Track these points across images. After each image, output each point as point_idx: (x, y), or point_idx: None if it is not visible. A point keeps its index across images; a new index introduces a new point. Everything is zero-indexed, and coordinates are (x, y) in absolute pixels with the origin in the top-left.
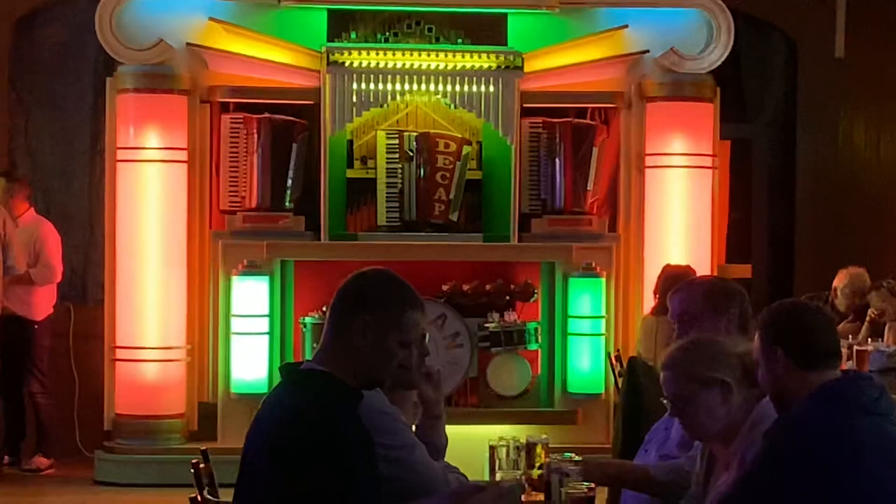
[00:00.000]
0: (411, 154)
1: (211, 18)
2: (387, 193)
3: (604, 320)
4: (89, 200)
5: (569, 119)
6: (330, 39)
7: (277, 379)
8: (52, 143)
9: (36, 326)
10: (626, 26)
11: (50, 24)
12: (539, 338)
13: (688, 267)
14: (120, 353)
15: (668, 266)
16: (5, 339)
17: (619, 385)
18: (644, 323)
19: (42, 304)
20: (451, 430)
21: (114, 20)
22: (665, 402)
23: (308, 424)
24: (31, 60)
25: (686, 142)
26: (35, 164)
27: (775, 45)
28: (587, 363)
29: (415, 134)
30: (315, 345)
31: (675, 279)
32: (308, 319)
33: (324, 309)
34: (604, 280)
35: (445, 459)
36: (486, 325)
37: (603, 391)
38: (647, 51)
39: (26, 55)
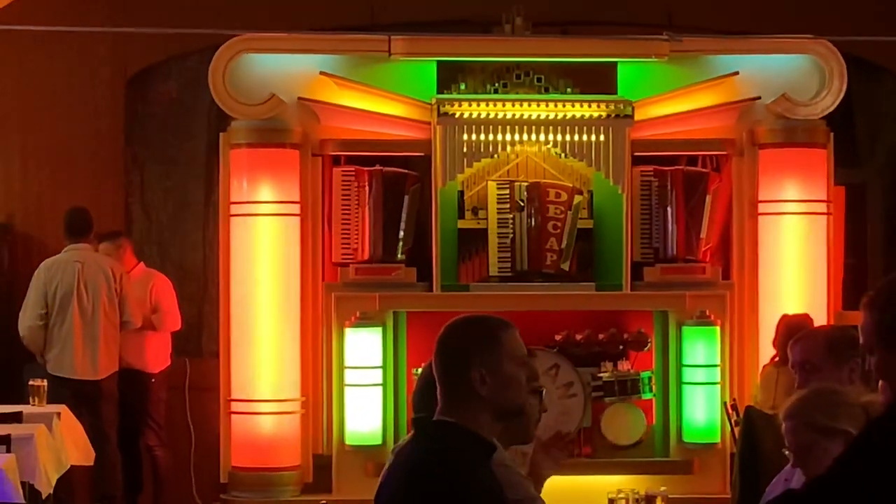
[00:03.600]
0: (522, 204)
1: (322, 73)
2: (498, 243)
3: (718, 369)
4: (203, 254)
5: (680, 167)
6: (440, 91)
7: (391, 430)
8: (166, 198)
9: (153, 380)
10: (737, 73)
11: (163, 80)
12: (653, 387)
13: (806, 316)
14: (235, 406)
15: (785, 316)
16: (123, 393)
17: (736, 434)
18: (764, 373)
19: (158, 357)
20: (565, 480)
21: (226, 76)
22: (787, 452)
23: (444, 475)
24: (144, 117)
25: (799, 188)
26: (150, 219)
27: (888, 88)
28: (702, 412)
29: (525, 184)
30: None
31: (794, 329)
32: (421, 370)
33: None
34: (718, 328)
35: None
36: (600, 374)
37: (719, 440)
38: (759, 97)
39: (140, 111)
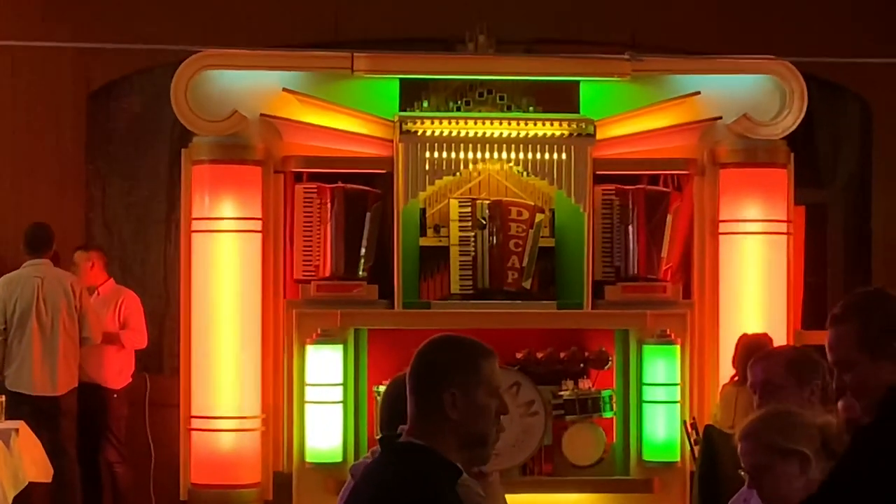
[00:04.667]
0: (484, 222)
1: (284, 89)
2: (460, 261)
3: (678, 387)
4: (165, 270)
5: (642, 186)
6: (402, 108)
7: (352, 447)
8: (128, 213)
9: (114, 395)
10: (699, 93)
11: (125, 95)
12: (614, 405)
13: (765, 335)
14: (195, 423)
15: (745, 335)
16: (84, 408)
17: (696, 453)
18: (723, 392)
19: (121, 373)
20: (526, 498)
21: (188, 92)
22: (743, 473)
23: (411, 498)
24: (106, 131)
25: (760, 208)
26: (111, 234)
27: (849, 108)
28: (662, 431)
29: (487, 202)
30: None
31: (753, 348)
32: (382, 388)
33: None
34: (678, 347)
35: None
36: (561, 392)
37: (679, 459)
38: (720, 117)
39: (102, 126)
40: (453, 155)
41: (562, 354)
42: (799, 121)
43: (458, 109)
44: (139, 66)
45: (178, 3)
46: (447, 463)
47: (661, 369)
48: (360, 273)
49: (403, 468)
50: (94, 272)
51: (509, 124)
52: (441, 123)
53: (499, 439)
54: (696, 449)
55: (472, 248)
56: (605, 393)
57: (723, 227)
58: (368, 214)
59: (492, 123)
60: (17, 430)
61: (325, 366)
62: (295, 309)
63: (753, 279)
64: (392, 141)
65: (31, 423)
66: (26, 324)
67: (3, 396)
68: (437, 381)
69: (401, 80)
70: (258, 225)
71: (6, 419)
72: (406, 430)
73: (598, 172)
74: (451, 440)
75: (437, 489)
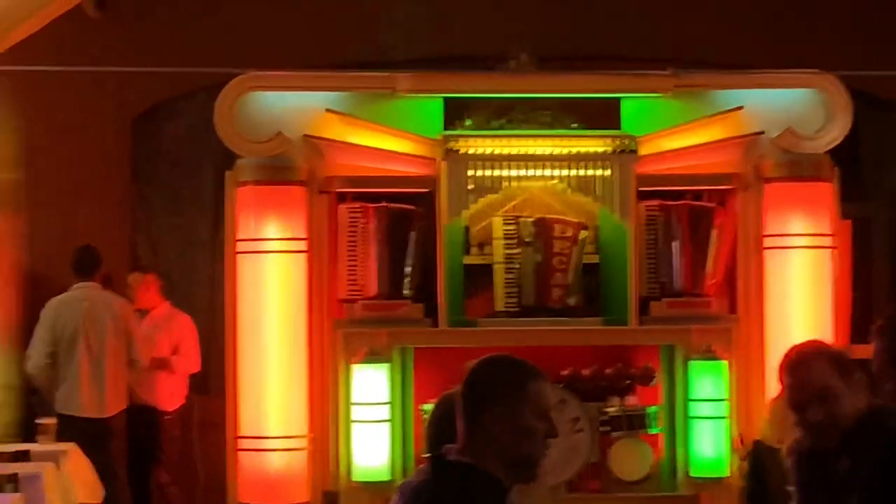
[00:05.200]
0: (528, 240)
1: (328, 110)
2: (504, 279)
3: (725, 403)
4: (211, 292)
5: (686, 201)
6: (445, 127)
7: (399, 466)
8: (173, 235)
9: (167, 417)
10: (742, 107)
11: (169, 119)
12: (660, 422)
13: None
14: (242, 443)
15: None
16: (136, 429)
17: (743, 469)
18: (772, 407)
19: (173, 394)
20: None
21: (232, 114)
22: (790, 489)
23: None
24: (151, 155)
25: (805, 222)
26: (157, 256)
27: (893, 121)
28: (709, 447)
29: (531, 219)
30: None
31: None
32: (428, 406)
33: None
34: (724, 362)
35: None
36: (607, 409)
37: (727, 475)
38: (763, 131)
39: (147, 150)
40: (496, 173)
41: (607, 371)
42: (843, 134)
43: (501, 128)
44: (182, 89)
45: (221, 25)
46: (494, 481)
47: (708, 385)
48: (406, 292)
49: (451, 486)
50: (149, 295)
51: (552, 142)
52: (484, 142)
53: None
54: (744, 465)
55: (517, 266)
56: (652, 409)
57: (767, 242)
58: (413, 233)
59: (534, 141)
60: (67, 452)
61: (371, 385)
62: (341, 328)
63: (799, 294)
64: (435, 160)
65: (80, 444)
66: (75, 346)
67: (54, 419)
68: (482, 401)
69: (444, 99)
70: (303, 245)
71: (57, 441)
72: (455, 449)
73: (641, 189)
74: (497, 460)
75: None
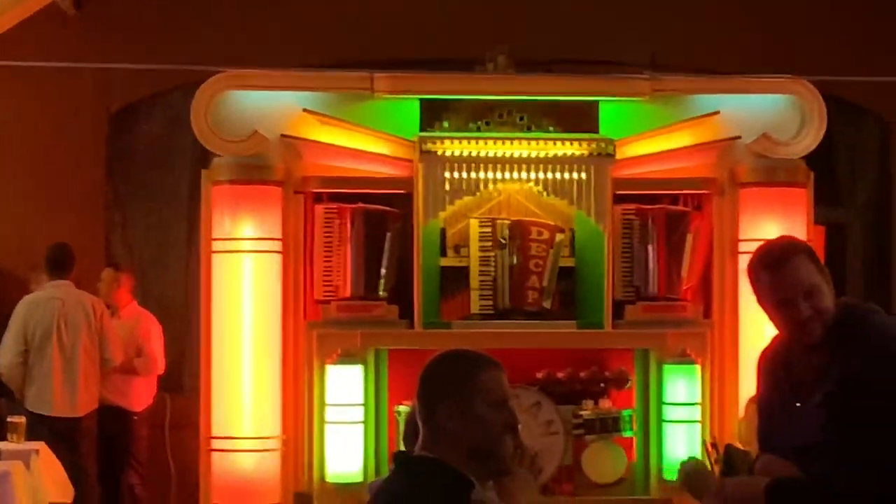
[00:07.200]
0: (504, 242)
1: (304, 110)
2: (480, 281)
3: (699, 407)
4: (185, 291)
5: (662, 206)
6: (423, 129)
7: (373, 467)
8: (148, 234)
9: (135, 417)
10: (718, 112)
11: (145, 117)
12: (634, 425)
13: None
14: (215, 444)
15: None
16: (104, 430)
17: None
18: (748, 408)
19: (142, 395)
20: None
21: (209, 112)
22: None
23: None
24: (127, 153)
25: (780, 227)
26: (132, 255)
27: (868, 128)
28: (683, 450)
29: (507, 222)
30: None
31: None
32: (402, 408)
33: None
34: (699, 367)
35: None
36: (581, 412)
37: None
38: (739, 136)
39: (123, 148)
40: (473, 175)
41: (582, 374)
42: (818, 140)
43: (478, 130)
44: (159, 87)
45: (199, 24)
46: (457, 475)
47: (682, 389)
48: (381, 293)
49: (413, 481)
50: (119, 293)
51: (529, 144)
52: (461, 143)
53: (518, 454)
54: (717, 468)
55: (493, 268)
56: (626, 412)
57: (742, 247)
58: (389, 235)
59: (512, 143)
60: (37, 451)
61: (345, 386)
62: (315, 329)
63: None
64: (412, 161)
65: (51, 444)
66: (47, 345)
67: (24, 417)
68: (434, 394)
69: (421, 100)
70: (278, 245)
71: (27, 440)
72: (419, 446)
73: (617, 192)
74: (457, 454)
75: (445, 501)
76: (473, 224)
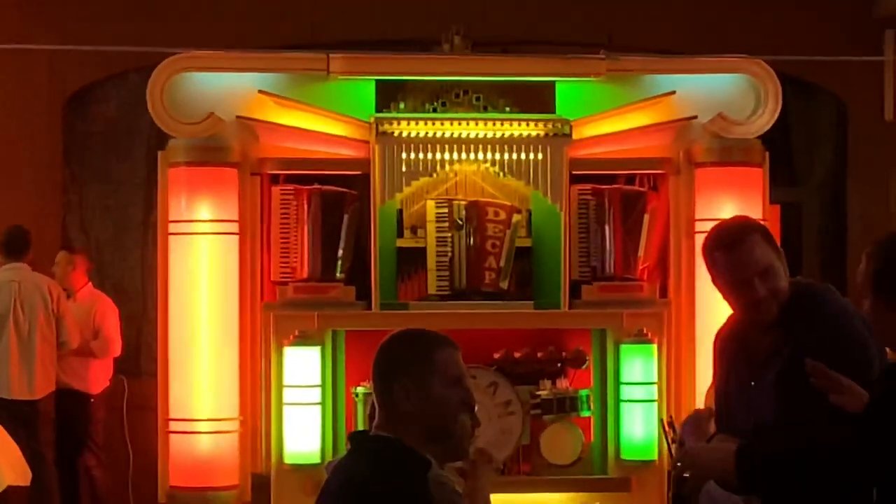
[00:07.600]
0: (461, 223)
1: (260, 91)
2: (437, 262)
3: (656, 386)
4: (142, 273)
5: (618, 186)
6: (378, 110)
7: (330, 449)
8: (105, 217)
9: (92, 400)
10: (674, 92)
11: (102, 99)
12: (591, 405)
13: None
14: (173, 426)
15: None
16: (61, 413)
17: (672, 452)
18: (708, 396)
19: (98, 377)
20: (504, 498)
21: (165, 94)
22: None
23: (378, 492)
24: (83, 136)
25: (736, 206)
26: (88, 238)
27: (824, 107)
28: (640, 430)
29: (464, 203)
30: (367, 414)
31: None
32: (360, 389)
33: None
34: (655, 346)
35: None
36: (538, 392)
37: (656, 458)
38: (695, 116)
39: (79, 131)
40: (430, 156)
41: (539, 354)
42: (773, 120)
43: (435, 111)
44: (115, 69)
45: (154, 6)
46: (414, 455)
47: (639, 368)
48: (338, 275)
49: (368, 460)
50: (74, 275)
51: (485, 125)
52: (417, 124)
53: (475, 434)
54: (673, 447)
55: (450, 249)
56: (583, 392)
57: (699, 227)
58: (345, 216)
59: (468, 124)
60: None
61: (302, 367)
62: (272, 311)
63: None
64: (368, 142)
65: (8, 427)
66: (3, 328)
67: None
68: (389, 374)
69: (377, 81)
70: (235, 227)
71: None
72: (375, 425)
73: (574, 172)
74: (413, 433)
75: (401, 481)
76: (430, 205)
